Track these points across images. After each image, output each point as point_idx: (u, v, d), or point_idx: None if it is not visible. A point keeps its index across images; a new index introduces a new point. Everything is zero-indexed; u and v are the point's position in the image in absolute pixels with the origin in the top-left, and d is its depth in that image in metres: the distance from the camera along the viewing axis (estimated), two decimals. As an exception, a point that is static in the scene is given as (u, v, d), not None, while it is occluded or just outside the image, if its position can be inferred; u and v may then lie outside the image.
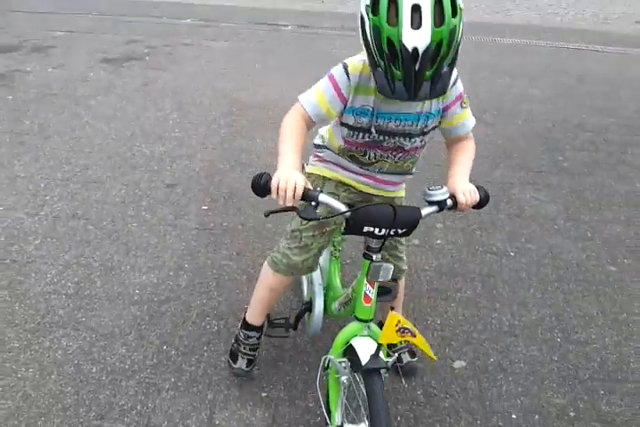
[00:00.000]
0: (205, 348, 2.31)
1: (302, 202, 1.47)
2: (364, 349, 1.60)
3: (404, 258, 2.09)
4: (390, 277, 1.62)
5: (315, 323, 2.13)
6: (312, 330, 2.17)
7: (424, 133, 1.73)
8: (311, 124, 1.72)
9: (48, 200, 3.18)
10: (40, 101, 4.39)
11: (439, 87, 1.41)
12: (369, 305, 1.66)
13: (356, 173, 1.88)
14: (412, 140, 1.72)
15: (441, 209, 1.57)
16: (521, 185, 3.69)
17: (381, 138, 1.71)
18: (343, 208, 1.54)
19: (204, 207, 3.22)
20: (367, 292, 1.64)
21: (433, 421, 2.09)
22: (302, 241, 1.90)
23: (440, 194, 1.54)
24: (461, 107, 1.70)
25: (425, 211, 1.56)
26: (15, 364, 2.18)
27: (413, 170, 1.91)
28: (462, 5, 1.40)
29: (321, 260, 2.10)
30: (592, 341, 2.52)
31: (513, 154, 4.08)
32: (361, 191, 1.92)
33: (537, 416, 2.14)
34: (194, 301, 2.54)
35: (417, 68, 1.36)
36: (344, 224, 1.59)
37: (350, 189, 1.92)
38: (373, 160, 1.79)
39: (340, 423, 1.82)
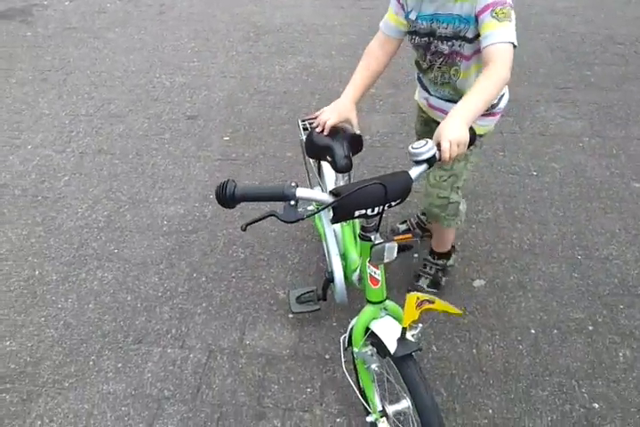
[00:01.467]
0: (233, 274, 2.36)
1: (285, 203, 1.31)
2: (388, 333, 1.45)
3: (448, 194, 1.99)
4: (396, 254, 1.45)
5: (339, 294, 1.94)
6: (339, 299, 1.97)
7: (461, 38, 1.68)
8: (393, 42, 1.82)
9: (74, 136, 3.18)
10: (59, 36, 4.29)
11: None
12: (378, 287, 1.51)
13: (422, 93, 1.99)
14: (449, 43, 1.71)
15: (430, 166, 1.37)
16: (546, 102, 3.51)
17: (425, 39, 1.75)
18: (327, 198, 1.35)
19: (225, 138, 3.18)
20: (373, 274, 1.49)
21: (452, 336, 2.13)
22: None
23: (426, 151, 1.33)
24: (491, 16, 1.53)
25: (414, 173, 1.36)
26: (55, 295, 2.27)
27: (460, 85, 1.79)
28: None
29: (335, 227, 2.01)
30: (613, 257, 2.48)
31: (539, 70, 3.86)
32: (429, 117, 2.02)
33: (555, 331, 2.15)
34: (220, 230, 2.57)
35: None
36: (330, 213, 1.37)
37: (423, 116, 2.07)
38: (427, 66, 1.84)
39: (381, 408, 1.66)
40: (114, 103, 3.47)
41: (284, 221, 1.29)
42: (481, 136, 1.88)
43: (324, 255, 2.40)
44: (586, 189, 2.86)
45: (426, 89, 1.98)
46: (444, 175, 1.96)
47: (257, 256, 2.44)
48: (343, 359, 1.74)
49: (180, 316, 2.19)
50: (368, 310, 1.54)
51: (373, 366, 1.60)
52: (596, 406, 1.91)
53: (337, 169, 1.65)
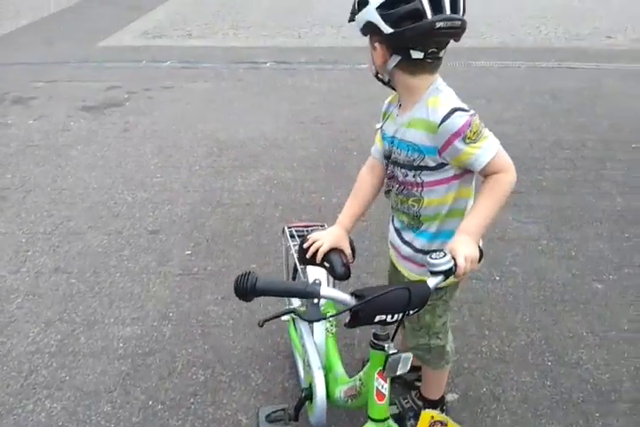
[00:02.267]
0: (192, 400, 2.26)
1: (304, 301, 1.36)
2: None
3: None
4: (409, 366, 1.43)
5: (318, 413, 1.79)
6: (316, 420, 1.84)
7: (416, 168, 1.60)
8: (380, 165, 1.79)
9: (30, 255, 3.16)
10: (21, 154, 4.40)
11: None
12: (383, 403, 1.44)
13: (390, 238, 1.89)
14: (403, 170, 1.65)
15: (446, 278, 1.38)
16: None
17: (385, 161, 1.73)
18: (350, 300, 1.33)
19: (187, 252, 3.20)
20: (380, 388, 1.42)
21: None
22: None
23: (444, 263, 1.35)
24: (465, 144, 1.48)
25: (432, 283, 1.37)
26: (-3, 431, 2.13)
27: (421, 223, 1.72)
28: None
29: (316, 337, 1.92)
30: (583, 362, 2.47)
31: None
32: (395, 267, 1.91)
33: (533, 447, 2.09)
34: (179, 351, 2.50)
35: None
36: (347, 318, 1.34)
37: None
38: (388, 188, 1.78)
39: None
40: (73, 220, 3.49)
41: (307, 320, 1.30)
42: (442, 289, 1.75)
43: (293, 371, 2.34)
44: (549, 293, 2.91)
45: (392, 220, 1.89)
46: (416, 326, 1.87)
47: (218, 378, 2.36)
48: None
49: (133, 450, 2.06)
50: None
51: None
52: None
53: (336, 276, 1.64)
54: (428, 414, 1.35)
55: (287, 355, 2.46)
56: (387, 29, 1.42)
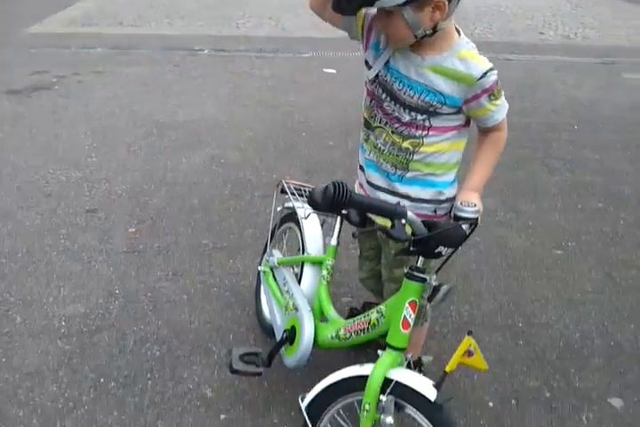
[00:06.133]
0: (149, 375, 2.09)
1: (396, 222, 1.37)
2: (419, 382, 1.42)
3: None
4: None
5: (301, 354, 1.75)
6: (295, 362, 1.79)
7: (428, 113, 1.57)
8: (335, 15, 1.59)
9: (-48, 236, 2.88)
10: (-63, 138, 4.06)
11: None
12: (407, 332, 1.48)
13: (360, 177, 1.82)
14: (413, 114, 1.58)
15: (469, 226, 1.51)
16: (459, 183, 3.69)
17: (383, 94, 1.61)
18: (424, 230, 1.43)
19: (130, 230, 3.01)
20: (408, 317, 1.47)
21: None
22: None
23: (473, 212, 1.50)
24: (489, 99, 1.56)
25: (465, 227, 1.49)
26: None
27: (406, 169, 1.66)
28: None
29: (306, 283, 1.98)
30: (553, 322, 2.48)
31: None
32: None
33: (513, 401, 2.05)
34: (129, 328, 2.31)
35: None
36: (410, 245, 1.44)
37: None
38: (377, 125, 1.67)
39: None
40: (2, 200, 3.22)
41: (396, 239, 1.35)
42: None
43: (259, 341, 2.23)
44: (511, 260, 2.92)
45: (362, 168, 1.78)
46: (395, 288, 1.83)
47: (175, 353, 2.20)
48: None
49: (85, 430, 1.87)
50: (389, 356, 1.47)
51: (388, 420, 1.43)
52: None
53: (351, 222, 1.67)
54: (469, 340, 1.39)
55: (250, 327, 2.34)
56: None
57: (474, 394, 2.08)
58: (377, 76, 1.61)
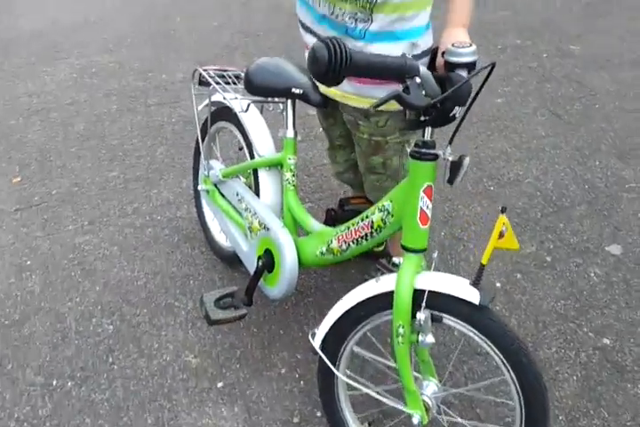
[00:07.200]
0: (110, 359, 1.58)
1: (409, 82, 0.95)
2: (456, 287, 1.04)
3: None
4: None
5: (287, 279, 1.35)
6: (283, 290, 1.38)
7: None
8: None
9: None
10: None
11: None
12: (426, 227, 1.07)
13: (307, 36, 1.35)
14: None
15: (469, 72, 1.03)
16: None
17: None
18: (438, 89, 0.99)
19: (14, 180, 2.27)
20: (425, 208, 1.06)
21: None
22: None
23: (470, 54, 1.02)
24: None
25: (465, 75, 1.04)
26: None
27: (369, 18, 1.19)
28: None
29: (267, 193, 1.51)
30: (522, 177, 2.17)
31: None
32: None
33: (518, 275, 1.77)
34: (62, 306, 1.73)
35: None
36: (418, 114, 1.01)
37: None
38: None
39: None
40: None
41: (414, 107, 0.96)
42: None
43: (229, 280, 1.74)
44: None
45: (309, 29, 1.32)
46: (381, 178, 1.48)
47: (132, 322, 1.68)
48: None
49: None
50: (410, 260, 1.08)
51: (428, 339, 1.09)
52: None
53: (312, 103, 1.35)
54: (502, 219, 1.01)
55: (209, 265, 1.83)
56: None
57: (471, 270, 1.76)
58: None
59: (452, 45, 1.05)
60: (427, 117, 1.01)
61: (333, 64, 0.89)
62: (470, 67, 1.03)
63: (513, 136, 2.38)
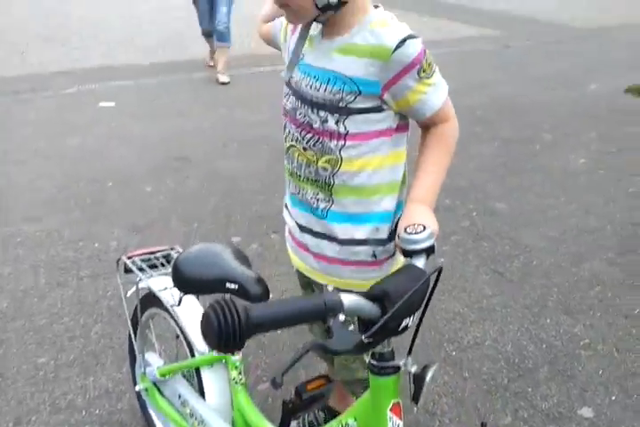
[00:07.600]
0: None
1: (332, 323, 0.82)
2: None
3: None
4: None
5: None
6: None
7: (339, 110, 1.14)
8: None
9: None
10: None
11: None
12: None
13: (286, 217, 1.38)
14: (322, 114, 1.16)
15: (427, 258, 0.97)
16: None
17: (296, 102, 1.21)
18: (374, 308, 0.86)
19: None
20: None
21: None
22: None
23: (426, 239, 0.97)
24: (419, 77, 1.11)
25: (420, 264, 0.96)
26: None
27: (330, 199, 1.21)
28: None
29: (213, 395, 1.37)
30: (480, 340, 2.15)
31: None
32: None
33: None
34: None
35: None
36: (368, 335, 0.85)
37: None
38: (289, 144, 1.26)
39: None
40: None
41: (340, 353, 0.85)
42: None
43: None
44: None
45: (287, 206, 1.36)
46: (349, 358, 1.37)
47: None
48: None
49: None
50: None
51: None
52: None
53: (251, 298, 1.10)
54: None
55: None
56: None
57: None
58: (289, 83, 1.23)
59: (405, 231, 0.99)
60: (370, 341, 0.86)
61: (225, 332, 0.75)
62: (429, 251, 0.97)
63: (462, 296, 2.42)
